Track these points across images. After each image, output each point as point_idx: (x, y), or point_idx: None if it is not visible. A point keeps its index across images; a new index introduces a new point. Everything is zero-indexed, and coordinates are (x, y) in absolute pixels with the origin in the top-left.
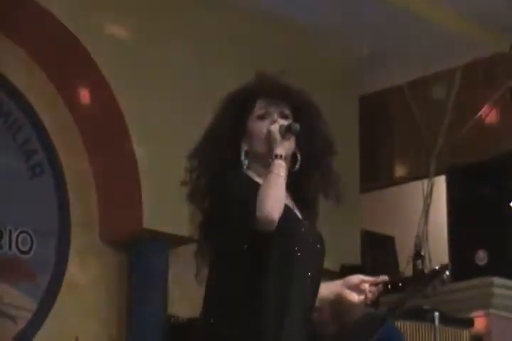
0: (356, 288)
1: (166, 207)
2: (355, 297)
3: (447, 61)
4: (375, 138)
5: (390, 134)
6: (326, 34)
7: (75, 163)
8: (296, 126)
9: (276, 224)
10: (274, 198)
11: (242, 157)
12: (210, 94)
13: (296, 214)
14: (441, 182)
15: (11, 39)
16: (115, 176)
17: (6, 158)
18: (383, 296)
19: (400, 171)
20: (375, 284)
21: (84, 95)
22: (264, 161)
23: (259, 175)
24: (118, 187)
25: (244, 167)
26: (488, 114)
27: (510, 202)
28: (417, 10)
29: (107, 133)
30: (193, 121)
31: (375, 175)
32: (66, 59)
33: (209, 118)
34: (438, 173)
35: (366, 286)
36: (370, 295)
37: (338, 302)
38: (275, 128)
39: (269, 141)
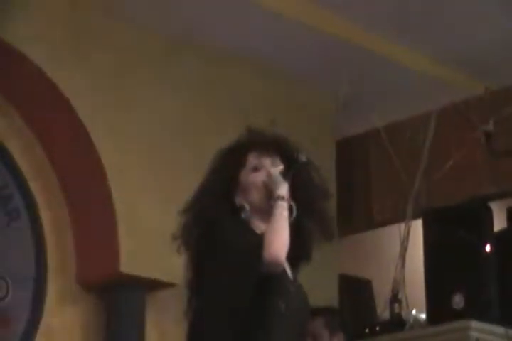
0: None
1: (144, 251)
2: None
3: (423, 104)
4: (352, 182)
5: (367, 178)
6: (302, 80)
7: (52, 208)
8: (303, 157)
9: (281, 265)
10: (281, 240)
11: (247, 206)
12: (189, 141)
13: (287, 274)
14: (418, 226)
15: None
16: (92, 221)
17: None
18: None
19: (377, 215)
20: None
21: (63, 141)
22: (260, 213)
23: (255, 227)
24: (95, 231)
25: (246, 212)
26: (465, 158)
27: (485, 245)
28: (393, 54)
29: (84, 178)
30: (171, 167)
31: (353, 219)
32: (44, 104)
33: (187, 164)
34: (415, 217)
35: None
36: None
37: None
38: (276, 170)
39: (268, 185)
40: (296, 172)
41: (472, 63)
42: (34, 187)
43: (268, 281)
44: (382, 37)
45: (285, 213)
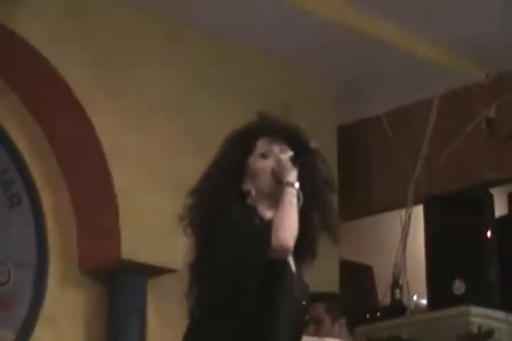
0: None
1: (145, 237)
2: None
3: (425, 90)
4: (353, 167)
5: (368, 164)
6: (303, 66)
7: (54, 193)
8: (314, 144)
9: (288, 251)
10: (289, 227)
11: (253, 192)
12: (190, 125)
13: (291, 267)
14: (419, 212)
15: None
16: (94, 206)
17: None
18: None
19: (378, 201)
20: None
21: (63, 124)
22: (267, 199)
23: (262, 213)
24: (97, 217)
25: (251, 199)
26: (466, 144)
27: (487, 231)
28: (394, 40)
29: (86, 163)
30: (173, 152)
31: (353, 205)
32: (42, 86)
33: (188, 149)
34: (416, 202)
35: None
36: None
37: None
38: (285, 156)
39: (277, 171)
40: (305, 161)
41: (473, 49)
42: (35, 172)
43: (274, 267)
44: (384, 23)
45: (294, 200)
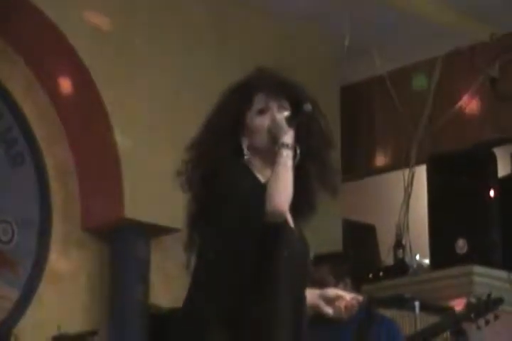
0: (332, 303)
1: (148, 196)
2: (330, 311)
3: (428, 51)
4: (356, 128)
5: (371, 124)
6: (306, 25)
7: (56, 153)
8: (308, 107)
9: (283, 216)
10: (284, 191)
11: (245, 150)
12: (192, 84)
13: (289, 225)
14: (422, 172)
15: None
16: (96, 165)
17: None
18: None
19: (380, 161)
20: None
21: (65, 84)
22: (264, 157)
23: (259, 171)
24: (99, 176)
25: (246, 157)
26: (469, 104)
27: (490, 191)
28: (396, 1)
29: (88, 122)
30: (174, 111)
31: (357, 165)
32: (46, 48)
33: (191, 108)
34: (419, 163)
35: (342, 304)
36: (344, 314)
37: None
38: (281, 116)
39: (273, 131)
40: (301, 121)
41: (477, 9)
42: (38, 132)
43: (271, 228)
44: None
45: (289, 163)
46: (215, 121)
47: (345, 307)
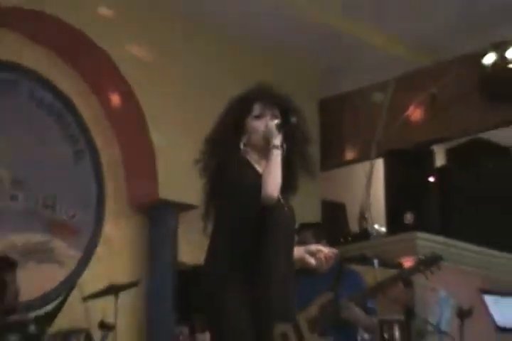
0: (314, 255)
1: (176, 181)
2: (312, 262)
3: (384, 74)
4: (331, 130)
5: (342, 128)
6: (294, 56)
7: (108, 149)
8: (294, 119)
9: (275, 201)
10: (274, 182)
11: (242, 145)
12: (209, 93)
13: (281, 202)
14: (380, 164)
15: (60, 57)
16: (138, 158)
17: (56, 147)
18: (340, 247)
19: (349, 155)
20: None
21: (114, 97)
22: (260, 152)
23: (256, 162)
24: (140, 166)
25: (243, 148)
26: (414, 113)
27: (429, 177)
28: (363, 37)
29: (130, 125)
30: (197, 113)
31: (331, 158)
32: (99, 69)
33: (211, 109)
34: (377, 157)
35: (322, 256)
36: (324, 264)
37: (300, 264)
38: (272, 124)
39: (266, 135)
40: (288, 128)
41: (421, 41)
42: (94, 133)
43: (267, 206)
44: (356, 24)
45: (278, 159)
46: (223, 123)
47: (325, 258)
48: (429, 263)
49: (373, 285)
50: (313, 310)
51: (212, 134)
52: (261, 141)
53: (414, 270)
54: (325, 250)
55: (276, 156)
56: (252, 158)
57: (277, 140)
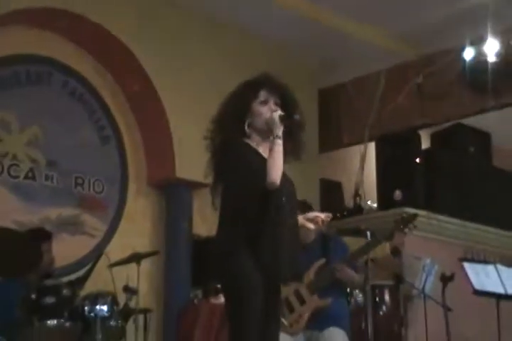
0: (312, 220)
1: (191, 162)
2: (311, 226)
3: (376, 66)
4: (329, 117)
5: (338, 114)
6: (296, 50)
7: (131, 135)
8: (297, 117)
9: (277, 186)
10: (277, 168)
11: (246, 126)
12: (217, 84)
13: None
14: (372, 146)
15: (91, 54)
16: (157, 142)
17: (85, 133)
18: (336, 221)
19: (345, 139)
20: (324, 218)
21: (135, 90)
22: (262, 134)
23: (257, 144)
24: (158, 148)
25: (247, 131)
26: (403, 101)
27: (416, 158)
28: (356, 32)
29: (151, 112)
30: (208, 99)
31: (329, 142)
32: (125, 68)
33: (216, 97)
34: (370, 140)
35: (319, 219)
36: (321, 225)
37: (300, 229)
38: (276, 115)
39: (269, 123)
40: (291, 123)
41: (408, 36)
42: (119, 122)
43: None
44: (348, 19)
45: (281, 148)
46: (231, 105)
47: (322, 221)
48: (407, 221)
49: (360, 247)
50: (309, 275)
51: (219, 115)
52: (264, 125)
53: (395, 228)
54: (322, 215)
55: (279, 146)
56: (254, 139)
57: (279, 131)
